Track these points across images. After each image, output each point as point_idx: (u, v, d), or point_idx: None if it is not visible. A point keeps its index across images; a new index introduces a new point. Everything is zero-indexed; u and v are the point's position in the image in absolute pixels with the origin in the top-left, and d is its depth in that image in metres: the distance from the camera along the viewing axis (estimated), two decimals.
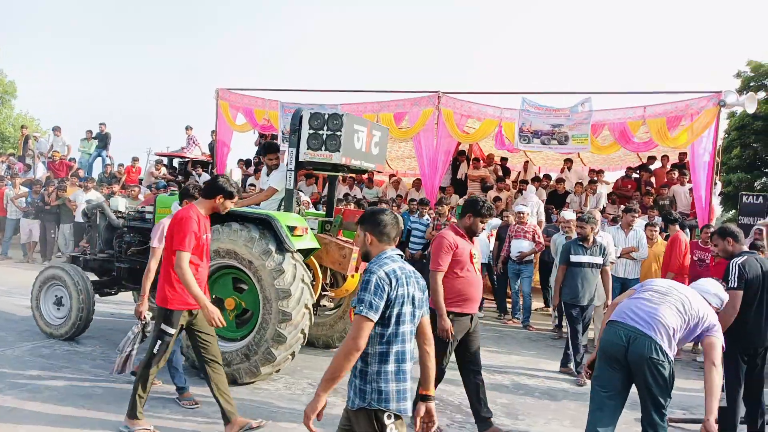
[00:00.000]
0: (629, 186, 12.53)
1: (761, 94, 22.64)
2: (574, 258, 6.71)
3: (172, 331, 4.31)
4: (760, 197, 10.93)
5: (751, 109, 10.48)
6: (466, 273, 4.60)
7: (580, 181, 12.52)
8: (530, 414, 5.52)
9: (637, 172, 13.14)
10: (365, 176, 15.63)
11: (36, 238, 13.34)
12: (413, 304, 2.73)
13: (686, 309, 3.63)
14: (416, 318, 2.78)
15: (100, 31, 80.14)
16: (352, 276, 6.31)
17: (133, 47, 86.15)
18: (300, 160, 5.75)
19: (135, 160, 16.09)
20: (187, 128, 16.92)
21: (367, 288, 2.61)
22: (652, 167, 13.02)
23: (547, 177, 13.35)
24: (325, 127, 5.65)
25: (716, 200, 11.43)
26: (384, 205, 10.96)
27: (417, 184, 13.72)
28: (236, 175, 14.36)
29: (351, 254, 5.92)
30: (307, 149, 5.70)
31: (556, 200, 11.93)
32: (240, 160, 15.79)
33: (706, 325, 3.66)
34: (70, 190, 13.17)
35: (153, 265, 4.89)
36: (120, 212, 7.59)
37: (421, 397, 2.88)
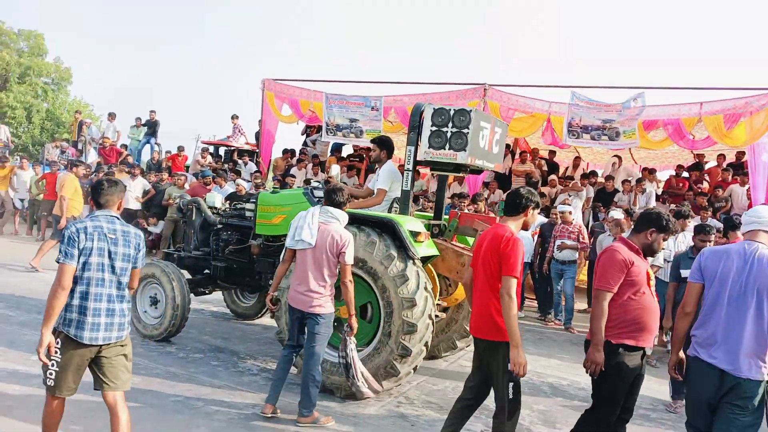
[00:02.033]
0: (681, 185, 12.05)
1: None
2: (685, 273, 5.67)
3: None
4: None
5: None
6: (641, 297, 3.74)
7: (629, 178, 12.10)
8: (569, 422, 5.33)
9: (687, 171, 12.62)
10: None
11: None
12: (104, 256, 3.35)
13: None
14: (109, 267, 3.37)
15: (151, 18, 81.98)
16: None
17: (181, 35, 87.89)
18: (420, 159, 5.35)
19: (181, 149, 16.36)
20: (233, 117, 17.12)
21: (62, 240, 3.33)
22: (706, 166, 12.49)
23: (594, 173, 12.96)
24: (450, 124, 5.21)
25: None
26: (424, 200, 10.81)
27: (459, 179, 13.52)
28: (334, 171, 14.24)
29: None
30: (429, 147, 5.26)
31: (603, 198, 11.56)
32: (285, 150, 15.88)
33: None
34: (118, 177, 13.49)
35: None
36: (216, 208, 7.32)
37: None
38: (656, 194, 11.61)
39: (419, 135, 5.34)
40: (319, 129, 13.74)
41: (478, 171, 6.47)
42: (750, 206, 10.31)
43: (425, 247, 5.36)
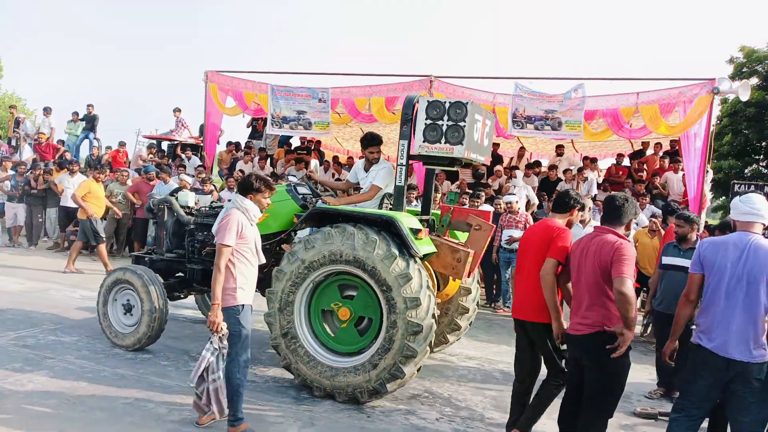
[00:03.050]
0: (621, 173, 12.49)
1: (753, 80, 22.61)
2: (666, 260, 6.06)
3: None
4: (752, 185, 10.90)
5: (745, 97, 10.41)
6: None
7: (571, 167, 12.46)
8: None
9: (629, 159, 13.10)
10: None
11: (21, 222, 13.15)
12: None
13: None
14: None
15: (87, 10, 78.91)
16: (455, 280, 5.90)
17: (121, 28, 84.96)
18: (415, 153, 5.22)
19: (122, 144, 15.83)
20: (175, 110, 16.70)
21: None
22: (645, 154, 12.98)
23: (538, 163, 13.27)
24: (446, 117, 5.08)
25: (707, 188, 11.41)
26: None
27: (410, 168, 13.62)
28: (313, 164, 13.91)
29: (466, 258, 5.35)
30: (423, 141, 5.11)
31: (548, 187, 11.87)
32: (230, 143, 15.61)
33: None
34: (56, 174, 12.97)
35: (224, 265, 4.19)
36: (190, 208, 6.96)
37: None
38: (597, 182, 12.01)
39: (413, 128, 5.20)
40: (265, 121, 13.56)
41: (468, 165, 6.37)
42: (685, 192, 10.79)
43: (425, 245, 5.26)
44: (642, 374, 6.47)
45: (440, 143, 5.08)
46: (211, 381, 4.23)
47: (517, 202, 9.71)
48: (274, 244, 5.96)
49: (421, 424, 4.86)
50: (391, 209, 5.64)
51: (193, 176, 12.77)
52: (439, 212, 6.14)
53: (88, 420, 4.36)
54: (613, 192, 4.11)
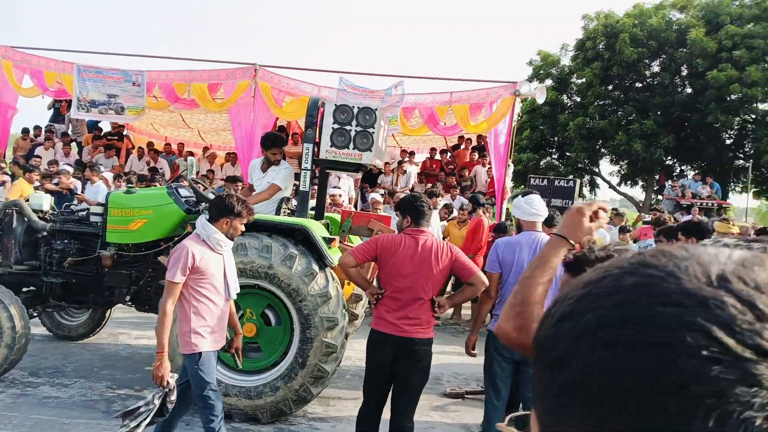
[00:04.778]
0: (434, 166, 13.37)
1: (548, 82, 25.37)
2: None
3: None
4: (545, 179, 12.30)
5: (541, 100, 11.70)
6: None
7: (391, 161, 13.07)
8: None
9: (440, 153, 14.07)
10: (176, 148, 14.83)
11: None
12: None
13: None
14: None
15: None
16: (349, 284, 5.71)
17: None
18: (322, 158, 5.03)
19: None
20: None
21: None
22: (456, 149, 14.03)
23: None
24: (354, 122, 4.92)
25: (509, 180, 12.65)
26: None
27: (232, 159, 13.32)
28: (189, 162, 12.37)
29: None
30: (331, 146, 4.94)
31: (370, 179, 12.33)
32: (26, 129, 13.99)
33: None
34: None
35: (170, 307, 3.56)
36: (43, 212, 5.96)
37: None
38: (415, 175, 12.76)
39: (319, 132, 5.04)
40: (69, 104, 12.37)
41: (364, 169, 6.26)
42: (491, 184, 11.88)
43: (335, 254, 4.99)
44: (451, 357, 6.95)
45: (348, 149, 4.96)
46: None
47: (340, 195, 9.96)
48: (151, 256, 5.40)
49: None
50: (289, 215, 5.49)
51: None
52: (336, 216, 6.08)
53: None
54: (412, 194, 4.39)
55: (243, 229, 3.82)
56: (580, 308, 0.50)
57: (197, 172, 10.19)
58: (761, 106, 20.91)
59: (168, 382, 3.51)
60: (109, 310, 6.80)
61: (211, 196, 5.99)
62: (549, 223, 5.16)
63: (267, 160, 5.82)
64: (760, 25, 20.22)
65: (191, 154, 13.99)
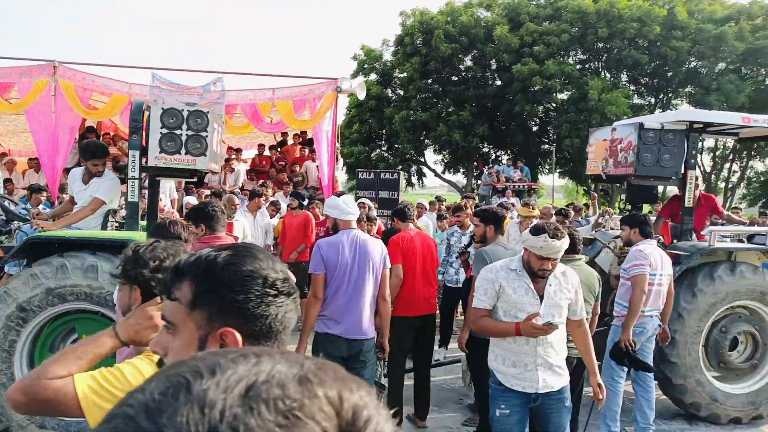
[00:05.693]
0: (264, 162, 13.17)
1: (372, 76, 26.12)
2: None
3: None
4: (372, 173, 12.64)
5: (362, 96, 11.98)
6: None
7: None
8: None
9: (269, 149, 13.89)
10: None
11: None
12: None
13: None
14: None
15: None
16: None
17: None
18: (151, 165, 4.68)
19: None
20: None
21: None
22: (287, 144, 13.92)
23: None
24: (185, 126, 4.61)
25: (339, 173, 12.85)
26: None
27: (35, 165, 12.03)
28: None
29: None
30: (161, 152, 4.62)
31: (196, 180, 11.81)
32: None
33: None
34: None
35: None
36: None
37: None
38: (245, 172, 12.47)
39: (147, 138, 4.72)
40: None
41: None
42: (320, 179, 11.95)
43: None
44: None
45: (180, 154, 4.70)
46: None
47: (161, 199, 9.42)
48: None
49: None
50: (117, 228, 5.18)
51: None
52: None
53: None
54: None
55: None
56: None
57: None
58: (559, 96, 23.37)
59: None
60: None
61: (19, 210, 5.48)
62: (403, 216, 5.43)
63: (88, 171, 5.43)
64: (554, 24, 22.54)
65: None
